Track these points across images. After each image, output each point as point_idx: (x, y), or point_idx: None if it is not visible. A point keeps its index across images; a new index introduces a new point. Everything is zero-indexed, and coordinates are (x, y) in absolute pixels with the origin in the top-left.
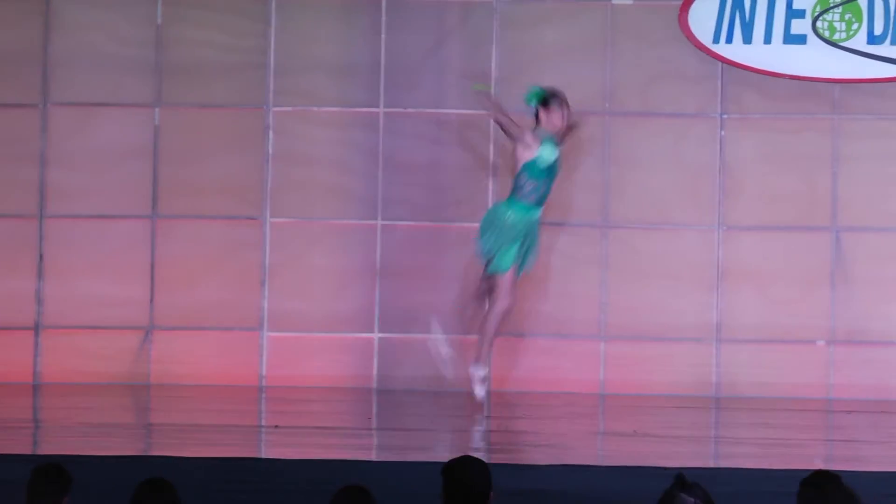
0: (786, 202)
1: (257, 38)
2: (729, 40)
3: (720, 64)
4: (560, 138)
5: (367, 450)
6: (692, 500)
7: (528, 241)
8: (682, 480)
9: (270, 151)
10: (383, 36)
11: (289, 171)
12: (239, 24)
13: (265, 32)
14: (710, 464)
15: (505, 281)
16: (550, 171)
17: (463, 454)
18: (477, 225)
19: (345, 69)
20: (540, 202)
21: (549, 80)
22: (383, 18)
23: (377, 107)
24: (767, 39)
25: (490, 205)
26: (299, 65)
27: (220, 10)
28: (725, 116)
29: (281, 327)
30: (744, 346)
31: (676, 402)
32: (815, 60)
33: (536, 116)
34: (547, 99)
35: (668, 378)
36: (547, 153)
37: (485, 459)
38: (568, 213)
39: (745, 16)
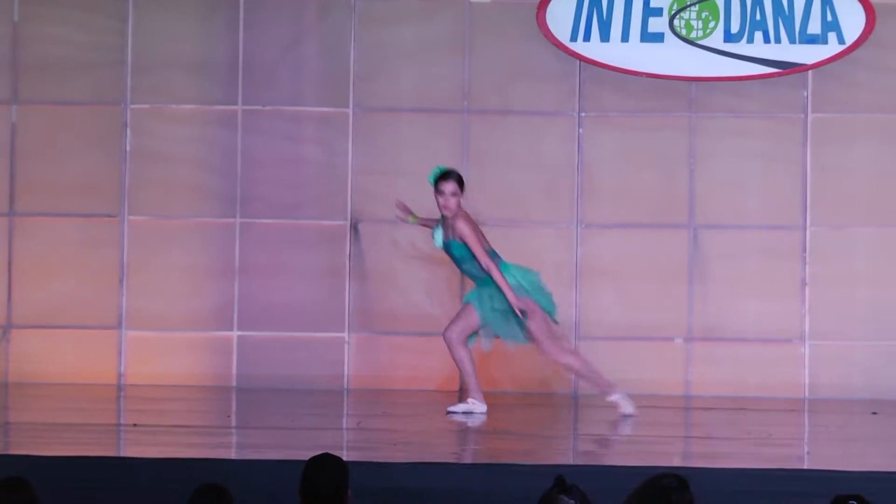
0: (644, 200)
1: (115, 35)
2: (587, 38)
3: (578, 62)
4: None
5: (227, 448)
6: (571, 501)
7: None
8: (561, 482)
9: (128, 149)
10: (241, 33)
11: (147, 168)
12: (96, 22)
13: (122, 30)
14: (569, 461)
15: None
16: (448, 252)
17: (321, 452)
18: (337, 222)
19: (203, 67)
20: (471, 277)
21: (407, 79)
22: (241, 16)
23: (235, 104)
24: (625, 38)
25: (348, 202)
26: (157, 62)
27: (77, 8)
28: (583, 115)
29: (140, 325)
30: (602, 343)
31: (535, 399)
32: (673, 58)
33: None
34: (436, 181)
35: (528, 375)
36: (435, 236)
37: (343, 457)
38: (427, 211)
39: (602, 14)
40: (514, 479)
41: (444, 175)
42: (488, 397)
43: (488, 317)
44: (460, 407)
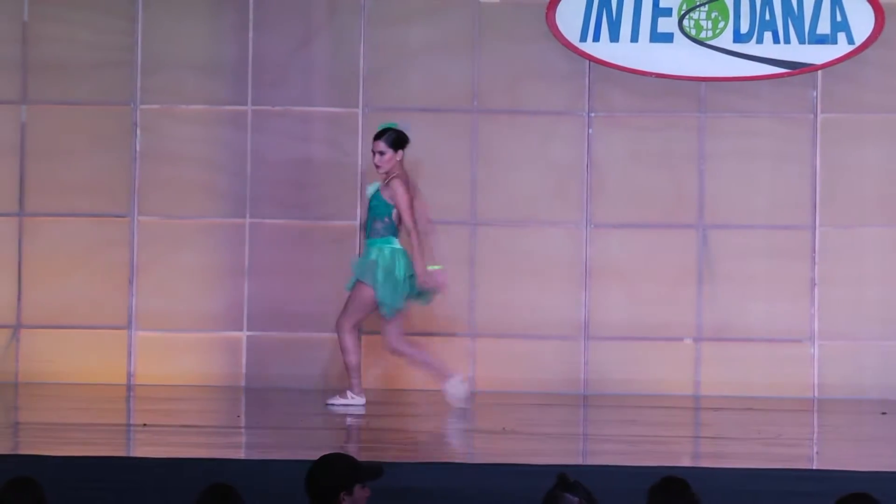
0: (653, 200)
1: (124, 35)
2: (596, 38)
3: (587, 62)
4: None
5: (236, 448)
6: (576, 499)
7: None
8: (564, 480)
9: (138, 149)
10: (251, 34)
11: (156, 169)
12: (106, 22)
13: (132, 30)
14: (579, 461)
15: None
16: (369, 202)
17: (330, 452)
18: (346, 223)
19: (212, 67)
20: (370, 236)
21: (416, 79)
22: (251, 16)
23: (245, 104)
24: (634, 38)
25: (358, 202)
26: (167, 62)
27: (87, 8)
28: (593, 115)
29: (149, 325)
30: (612, 344)
31: (545, 399)
32: (682, 59)
33: None
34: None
35: (537, 375)
36: (370, 187)
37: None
38: (436, 211)
39: (612, 14)
40: (522, 480)
41: (377, 134)
42: (499, 397)
43: (383, 282)
44: (339, 399)
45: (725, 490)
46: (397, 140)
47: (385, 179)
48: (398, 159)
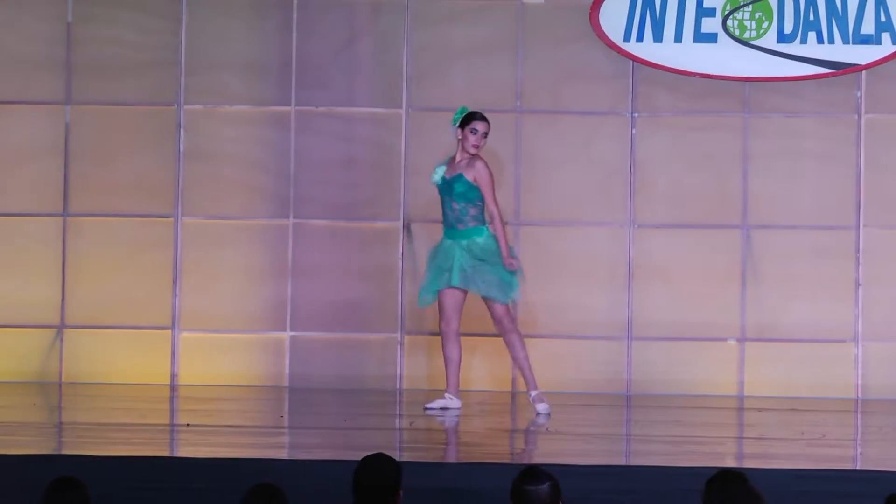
0: (697, 200)
1: (168, 36)
2: (640, 39)
3: (631, 62)
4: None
5: (279, 448)
6: (544, 486)
7: (444, 264)
8: (530, 471)
9: (182, 150)
10: (294, 34)
11: (200, 169)
12: (150, 22)
13: (176, 30)
14: (622, 461)
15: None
16: (447, 187)
17: (374, 452)
18: (390, 223)
19: (256, 67)
20: (447, 223)
21: (460, 79)
22: (294, 17)
23: (288, 105)
24: (678, 38)
25: (401, 203)
26: (210, 63)
27: (131, 8)
28: (636, 115)
29: (193, 326)
30: (656, 344)
31: (589, 399)
32: (726, 59)
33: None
34: (468, 120)
35: (581, 376)
36: (437, 173)
37: (396, 457)
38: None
39: (655, 15)
40: (567, 480)
41: (481, 115)
42: (554, 397)
43: (472, 271)
44: (437, 403)
45: (769, 491)
46: None
47: (462, 161)
48: None
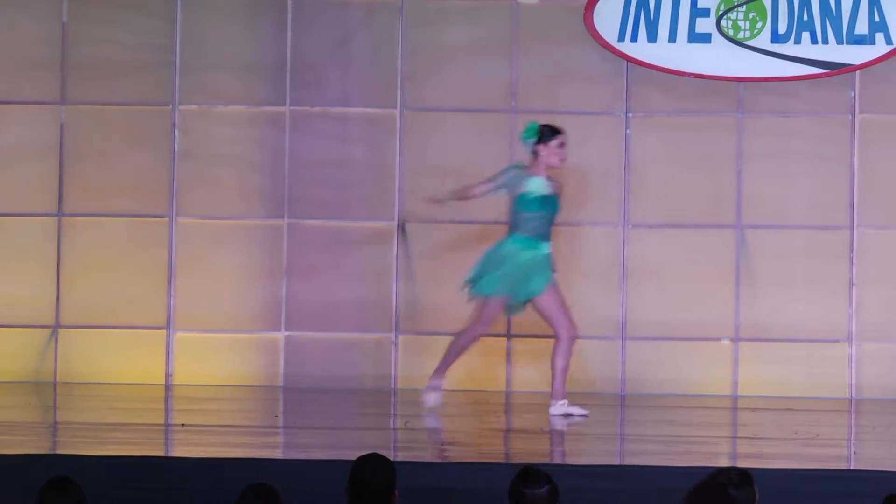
0: (691, 200)
1: (163, 36)
2: (634, 39)
3: (625, 62)
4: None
5: (274, 448)
6: (542, 490)
7: (520, 274)
8: (527, 473)
9: (176, 149)
10: (289, 34)
11: (195, 169)
12: (145, 22)
13: (171, 30)
14: (616, 461)
15: (482, 306)
16: (550, 205)
17: (368, 452)
18: (384, 223)
19: (251, 67)
20: (538, 235)
21: (454, 79)
22: (289, 17)
23: (283, 105)
24: (672, 38)
25: (396, 203)
26: (205, 63)
27: (125, 8)
28: (630, 115)
29: (188, 326)
30: (649, 344)
31: (583, 399)
32: (720, 59)
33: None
34: (553, 134)
35: (575, 375)
36: (536, 185)
37: (391, 458)
38: (475, 212)
39: (649, 14)
40: (561, 480)
41: (561, 130)
42: (536, 396)
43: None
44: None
45: (763, 491)
46: None
47: (548, 176)
48: None
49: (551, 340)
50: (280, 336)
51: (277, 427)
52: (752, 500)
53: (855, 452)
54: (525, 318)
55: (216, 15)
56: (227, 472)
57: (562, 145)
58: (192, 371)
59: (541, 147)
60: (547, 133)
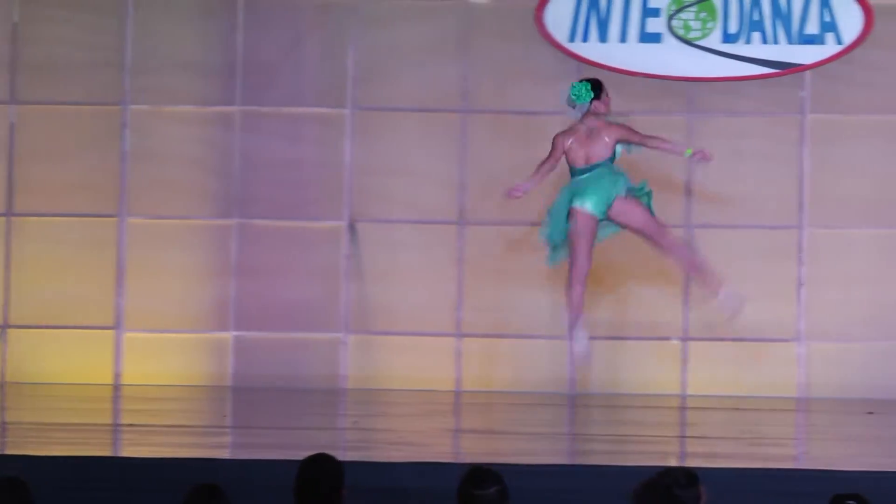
0: None
1: (114, 36)
2: (585, 39)
3: (576, 62)
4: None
5: (222, 448)
6: (491, 491)
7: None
8: (476, 474)
9: (127, 150)
10: (240, 35)
11: (145, 169)
12: (96, 23)
13: (122, 31)
14: (565, 461)
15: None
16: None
17: (317, 452)
18: (334, 223)
19: (202, 68)
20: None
21: (406, 78)
22: (240, 18)
23: (234, 105)
24: (623, 38)
25: (346, 203)
26: (156, 63)
27: (77, 9)
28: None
29: (137, 326)
30: (599, 343)
31: (532, 398)
32: (671, 59)
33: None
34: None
35: (525, 375)
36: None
37: (339, 457)
38: (425, 210)
39: (600, 15)
40: (510, 480)
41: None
42: (486, 396)
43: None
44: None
45: (711, 490)
46: None
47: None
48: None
49: (501, 340)
50: (229, 336)
51: (226, 427)
52: (698, 499)
53: (804, 451)
54: (475, 320)
55: (167, 15)
56: (174, 473)
57: (608, 96)
58: (141, 371)
59: (598, 103)
60: (600, 87)
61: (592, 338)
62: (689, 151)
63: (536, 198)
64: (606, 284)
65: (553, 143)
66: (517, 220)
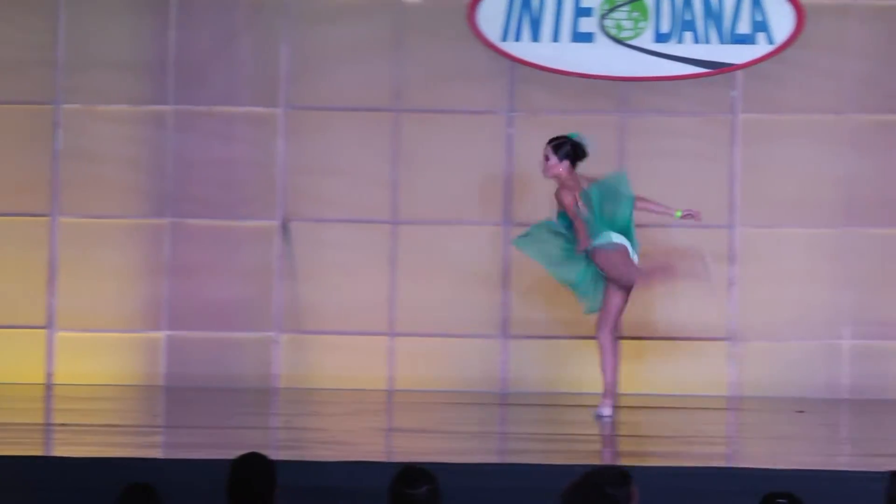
0: None
1: (46, 34)
2: (517, 38)
3: (509, 62)
4: None
5: (154, 447)
6: (423, 489)
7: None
8: (408, 473)
9: (59, 148)
10: (172, 33)
11: (78, 168)
12: (27, 20)
13: (54, 28)
14: (498, 460)
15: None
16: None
17: (249, 451)
18: (267, 222)
19: (134, 66)
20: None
21: (339, 77)
22: (172, 15)
23: (167, 104)
24: (555, 37)
25: (279, 202)
26: (88, 61)
27: (7, 5)
28: (514, 114)
29: (69, 325)
30: (531, 342)
31: (465, 398)
32: (603, 58)
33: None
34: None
35: (457, 374)
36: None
37: (272, 456)
38: (357, 210)
39: (532, 14)
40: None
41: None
42: (418, 395)
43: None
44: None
45: (643, 489)
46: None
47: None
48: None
49: (433, 339)
50: (162, 335)
51: (158, 426)
52: (629, 499)
53: (735, 450)
54: (408, 319)
55: (99, 13)
56: (106, 472)
57: (544, 156)
58: (74, 370)
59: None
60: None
61: (526, 336)
62: (679, 213)
63: (464, 198)
64: (538, 283)
65: (563, 205)
66: (450, 219)
